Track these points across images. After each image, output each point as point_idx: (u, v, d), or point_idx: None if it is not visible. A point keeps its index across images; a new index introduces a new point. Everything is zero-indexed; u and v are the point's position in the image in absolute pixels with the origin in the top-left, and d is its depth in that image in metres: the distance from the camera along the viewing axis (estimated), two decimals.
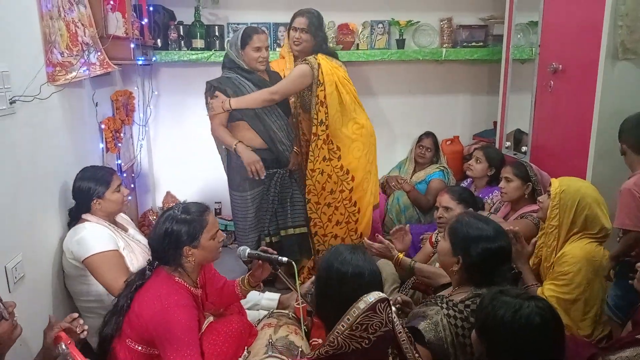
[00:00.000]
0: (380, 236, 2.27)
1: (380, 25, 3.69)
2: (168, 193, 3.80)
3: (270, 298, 2.40)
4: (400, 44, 3.70)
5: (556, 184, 1.98)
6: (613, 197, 1.98)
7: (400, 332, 1.41)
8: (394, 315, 1.39)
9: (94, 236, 2.00)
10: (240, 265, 3.26)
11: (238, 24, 3.60)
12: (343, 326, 1.30)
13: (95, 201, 2.08)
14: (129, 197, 2.19)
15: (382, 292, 1.42)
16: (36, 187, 1.88)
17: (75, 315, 1.56)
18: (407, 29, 3.70)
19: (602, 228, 1.91)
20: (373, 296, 1.33)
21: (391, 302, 1.89)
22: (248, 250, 2.02)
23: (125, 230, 2.25)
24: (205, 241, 1.79)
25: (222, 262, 3.25)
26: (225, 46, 3.24)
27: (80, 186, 2.09)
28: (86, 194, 2.07)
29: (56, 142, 2.10)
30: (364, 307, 1.30)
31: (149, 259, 1.86)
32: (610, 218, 1.94)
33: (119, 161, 2.95)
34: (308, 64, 2.75)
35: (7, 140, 1.67)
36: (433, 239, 2.52)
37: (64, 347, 1.44)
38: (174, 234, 1.74)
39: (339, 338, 1.30)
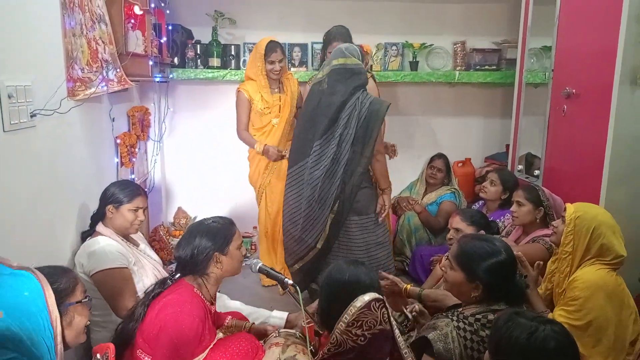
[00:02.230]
0: (383, 272, 2.23)
1: (394, 48, 3.73)
2: (179, 209, 3.83)
3: (279, 317, 2.38)
4: (414, 66, 3.73)
5: (571, 210, 1.95)
6: (627, 222, 1.96)
7: (398, 337, 1.43)
8: (392, 320, 1.41)
9: (105, 252, 2.01)
10: (250, 282, 3.27)
11: (254, 43, 3.66)
12: (342, 325, 1.37)
13: (109, 208, 2.11)
14: (140, 222, 2.19)
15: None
16: (53, 199, 1.91)
17: None
18: (420, 51, 3.74)
19: (617, 255, 1.89)
20: (369, 295, 1.40)
21: (408, 310, 1.92)
22: (260, 264, 2.04)
23: (136, 245, 2.27)
24: (233, 249, 1.88)
25: (234, 282, 3.28)
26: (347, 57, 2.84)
27: (107, 189, 2.17)
28: (107, 198, 2.13)
29: (73, 155, 2.13)
30: (360, 304, 1.37)
31: (171, 271, 1.88)
32: (625, 245, 1.92)
33: (133, 176, 2.98)
34: (372, 76, 3.01)
35: (27, 153, 1.70)
36: (444, 261, 2.50)
37: (99, 357, 1.45)
38: (206, 240, 1.82)
39: (337, 334, 1.37)
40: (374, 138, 2.61)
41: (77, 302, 1.36)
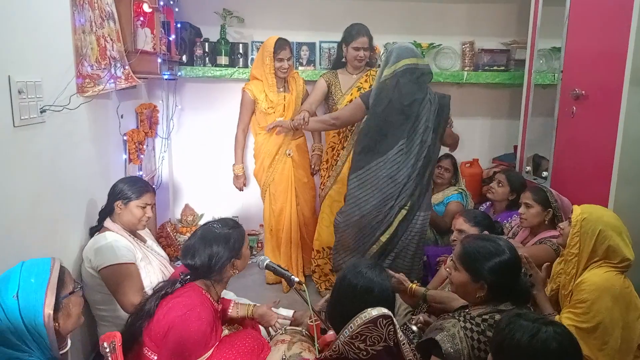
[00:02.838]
0: (390, 270, 2.23)
1: None
2: (187, 206, 3.84)
3: (284, 314, 2.39)
4: None
5: (578, 211, 1.94)
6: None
7: (406, 352, 1.41)
8: (399, 335, 1.40)
9: (112, 247, 2.03)
10: (254, 281, 3.28)
11: (262, 42, 3.66)
12: (345, 333, 1.35)
13: (118, 204, 2.12)
14: (148, 219, 2.21)
15: (392, 311, 1.43)
16: (60, 194, 1.93)
17: None
18: (428, 51, 3.73)
19: (624, 258, 1.87)
20: (377, 311, 1.38)
21: (413, 322, 1.91)
22: (267, 261, 2.05)
23: (144, 241, 2.28)
24: (244, 250, 1.90)
25: (238, 280, 3.29)
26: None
27: (116, 185, 2.18)
28: (116, 194, 2.15)
29: (82, 151, 2.15)
30: (366, 318, 1.35)
31: (182, 273, 1.88)
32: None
33: (141, 172, 3.00)
34: None
35: (36, 148, 1.72)
36: (448, 262, 2.49)
37: (105, 346, 1.46)
38: (223, 248, 1.82)
39: (339, 344, 1.35)
40: (444, 128, 2.78)
41: (69, 294, 1.38)
